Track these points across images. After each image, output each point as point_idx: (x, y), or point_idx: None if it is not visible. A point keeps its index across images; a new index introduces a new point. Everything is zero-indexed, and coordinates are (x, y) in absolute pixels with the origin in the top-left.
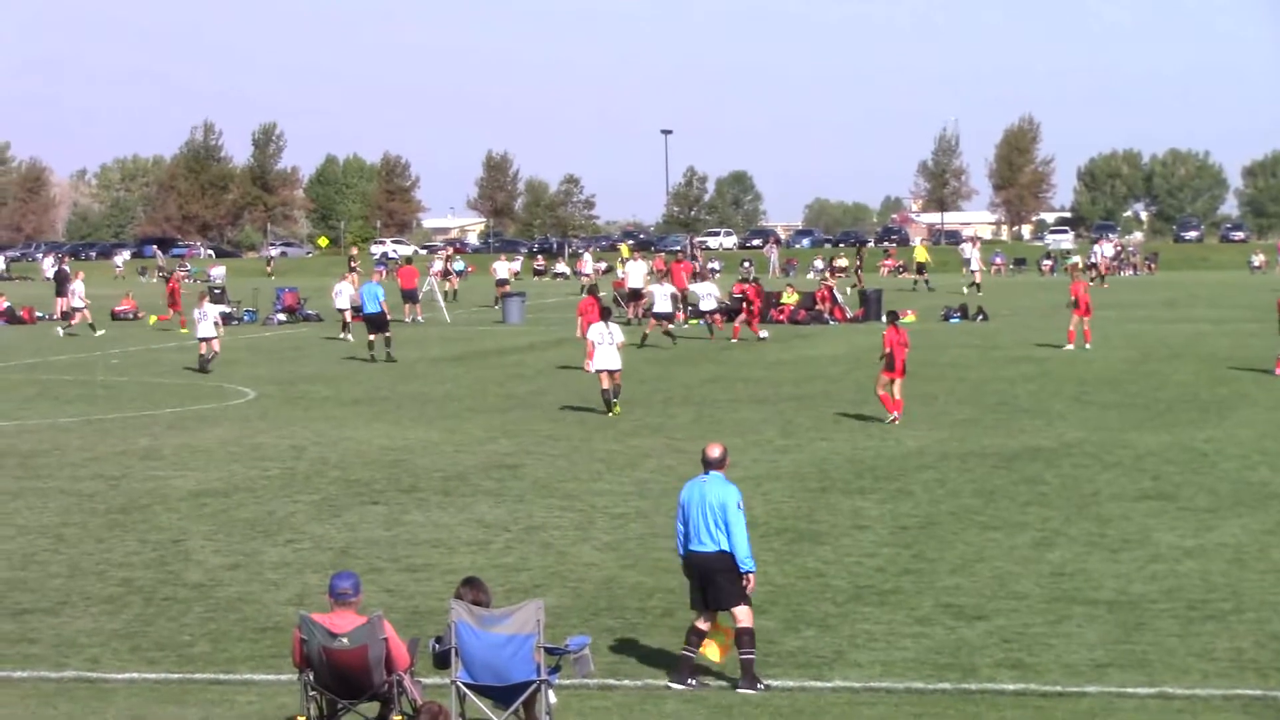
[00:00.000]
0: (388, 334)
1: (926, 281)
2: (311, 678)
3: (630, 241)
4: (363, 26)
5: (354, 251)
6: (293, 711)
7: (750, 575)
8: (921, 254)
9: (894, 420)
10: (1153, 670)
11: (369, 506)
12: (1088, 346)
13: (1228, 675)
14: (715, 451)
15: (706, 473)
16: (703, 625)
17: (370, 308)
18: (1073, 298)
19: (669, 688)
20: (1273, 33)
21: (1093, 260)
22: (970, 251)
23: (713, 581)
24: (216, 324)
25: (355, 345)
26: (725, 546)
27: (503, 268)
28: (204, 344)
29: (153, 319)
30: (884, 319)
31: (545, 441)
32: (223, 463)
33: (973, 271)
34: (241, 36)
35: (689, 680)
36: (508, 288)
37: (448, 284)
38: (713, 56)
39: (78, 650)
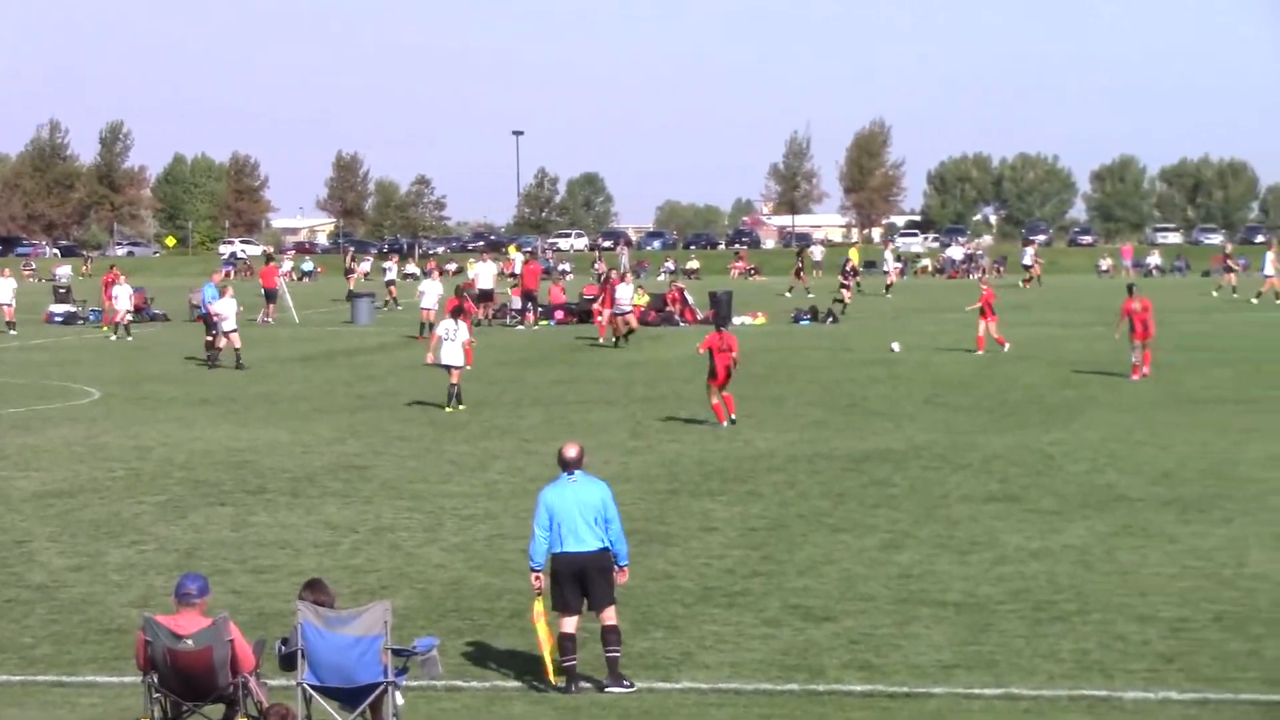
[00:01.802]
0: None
1: (858, 284)
2: (156, 680)
3: (518, 243)
4: (208, 25)
5: (269, 250)
6: (136, 714)
7: (626, 568)
8: (855, 255)
9: (728, 424)
10: (999, 671)
11: (215, 508)
12: (997, 349)
13: (1073, 676)
14: (573, 451)
15: (570, 473)
16: (571, 629)
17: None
18: (979, 304)
19: (536, 687)
20: (1121, 37)
21: (1026, 262)
22: (886, 254)
23: (595, 581)
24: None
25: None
26: (606, 544)
27: (487, 272)
28: (225, 337)
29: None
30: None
31: (394, 442)
32: (67, 463)
33: (886, 273)
34: (88, 33)
35: (579, 685)
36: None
37: (388, 292)
38: (563, 57)
39: None
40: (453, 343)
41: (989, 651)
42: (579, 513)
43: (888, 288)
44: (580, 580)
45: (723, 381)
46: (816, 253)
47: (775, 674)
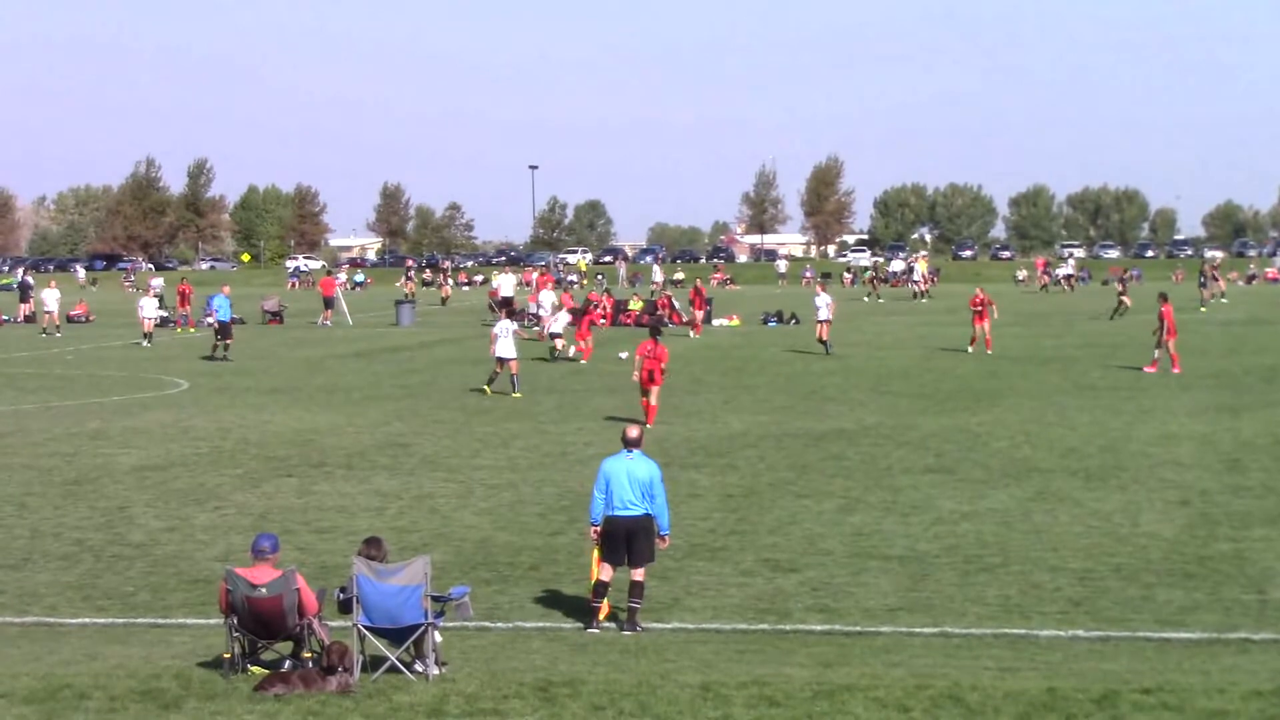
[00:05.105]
0: (229, 340)
1: (926, 293)
2: (235, 621)
3: (587, 259)
4: (279, 78)
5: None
6: (220, 650)
7: (667, 536)
8: (923, 265)
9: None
10: (936, 613)
11: (284, 479)
12: (986, 350)
13: (996, 617)
14: (634, 432)
15: (629, 450)
16: (607, 578)
17: (224, 315)
18: (972, 307)
19: (575, 629)
20: (1034, 84)
21: (1068, 273)
22: (916, 263)
23: (636, 540)
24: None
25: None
26: (649, 511)
27: (508, 282)
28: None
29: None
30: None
31: (432, 424)
32: (161, 442)
33: (915, 282)
34: (178, 83)
35: (597, 626)
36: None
37: (441, 292)
38: (571, 103)
39: (38, 599)
40: (507, 339)
41: (927, 597)
42: (629, 483)
43: (924, 293)
44: (627, 539)
45: (648, 385)
46: (781, 265)
47: (750, 616)
